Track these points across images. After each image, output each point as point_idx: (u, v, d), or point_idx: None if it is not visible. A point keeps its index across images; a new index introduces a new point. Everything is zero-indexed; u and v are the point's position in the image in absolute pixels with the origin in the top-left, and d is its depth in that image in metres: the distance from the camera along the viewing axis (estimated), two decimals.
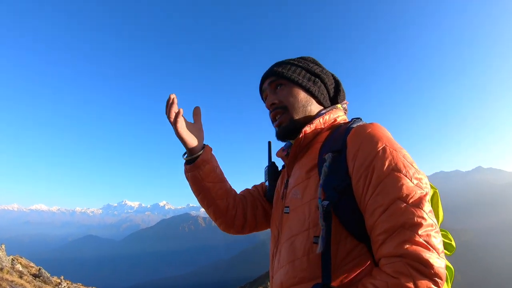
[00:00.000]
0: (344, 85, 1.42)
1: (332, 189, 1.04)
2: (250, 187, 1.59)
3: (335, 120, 1.27)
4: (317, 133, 1.24)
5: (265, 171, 1.50)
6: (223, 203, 1.41)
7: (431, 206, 1.02)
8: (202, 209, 1.48)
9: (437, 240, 0.93)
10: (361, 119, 1.23)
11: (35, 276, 13.30)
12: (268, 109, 1.33)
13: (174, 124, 1.26)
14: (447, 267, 1.04)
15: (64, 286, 12.71)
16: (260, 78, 1.39)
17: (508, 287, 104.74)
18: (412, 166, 1.01)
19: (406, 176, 0.98)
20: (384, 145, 1.03)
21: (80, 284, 16.25)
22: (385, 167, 0.99)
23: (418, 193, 0.96)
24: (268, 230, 1.41)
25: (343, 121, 1.29)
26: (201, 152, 1.34)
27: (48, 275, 14.11)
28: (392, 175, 0.98)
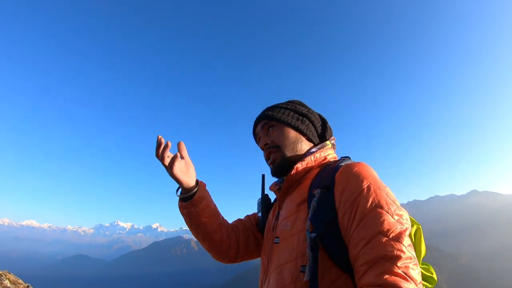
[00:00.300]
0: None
1: (320, 222, 1.15)
2: (243, 217, 1.64)
3: (325, 158, 1.33)
4: (308, 170, 1.29)
5: (258, 203, 1.55)
6: (217, 235, 1.43)
7: (415, 240, 1.15)
8: None
9: (415, 272, 1.07)
10: (349, 158, 1.29)
11: None
12: (262, 149, 1.42)
13: (170, 167, 1.28)
14: None
15: None
16: (253, 123, 1.50)
17: None
18: (394, 203, 1.13)
19: (388, 212, 1.12)
20: (368, 183, 1.15)
21: None
22: (369, 204, 1.13)
23: (398, 228, 1.11)
24: None
25: (333, 159, 1.34)
26: (196, 189, 1.34)
27: None
28: (375, 211, 1.13)
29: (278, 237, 1.25)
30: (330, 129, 1.49)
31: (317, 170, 1.29)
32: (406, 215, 1.14)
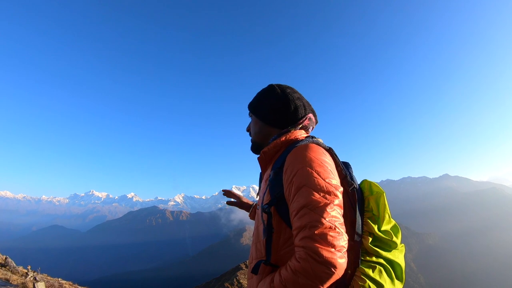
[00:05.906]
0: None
1: (273, 196, 1.53)
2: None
3: (293, 139, 1.60)
4: (276, 150, 1.60)
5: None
6: None
7: (379, 206, 1.49)
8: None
9: (332, 238, 1.43)
10: (312, 137, 1.58)
11: (1, 265, 12.75)
12: None
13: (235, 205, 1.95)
14: (396, 263, 1.48)
15: (31, 277, 11.34)
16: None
17: None
18: (324, 181, 1.49)
19: (313, 189, 1.47)
20: (303, 166, 1.49)
21: (46, 274, 15.00)
22: (299, 183, 1.49)
23: (321, 203, 1.46)
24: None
25: (301, 138, 1.61)
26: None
27: (15, 264, 13.56)
28: (303, 189, 1.49)
29: (259, 205, 1.59)
30: (301, 115, 1.63)
31: (284, 149, 1.59)
32: (335, 191, 1.49)
